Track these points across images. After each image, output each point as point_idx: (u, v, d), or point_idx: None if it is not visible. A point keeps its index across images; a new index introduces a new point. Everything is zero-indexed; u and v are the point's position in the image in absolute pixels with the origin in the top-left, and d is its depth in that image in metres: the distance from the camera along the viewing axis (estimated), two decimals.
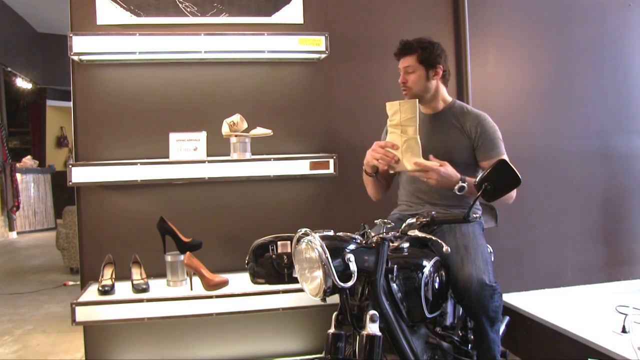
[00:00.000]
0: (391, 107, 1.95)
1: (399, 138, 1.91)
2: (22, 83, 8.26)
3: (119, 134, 2.41)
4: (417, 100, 1.92)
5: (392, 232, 1.60)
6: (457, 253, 1.80)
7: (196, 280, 2.25)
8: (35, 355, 2.84)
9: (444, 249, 1.56)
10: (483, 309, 1.72)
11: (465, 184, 1.81)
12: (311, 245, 1.42)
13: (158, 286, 2.28)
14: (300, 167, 2.36)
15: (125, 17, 2.39)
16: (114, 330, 2.38)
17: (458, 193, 1.81)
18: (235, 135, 2.32)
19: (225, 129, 2.32)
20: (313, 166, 2.37)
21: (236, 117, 2.32)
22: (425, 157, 1.87)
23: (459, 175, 1.84)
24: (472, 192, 1.83)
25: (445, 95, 2.12)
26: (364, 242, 1.54)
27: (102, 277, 2.26)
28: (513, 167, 1.57)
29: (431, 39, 2.06)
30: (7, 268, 5.29)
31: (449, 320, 1.86)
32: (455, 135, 2.03)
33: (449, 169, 1.83)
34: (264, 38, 2.36)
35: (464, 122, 2.03)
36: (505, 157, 1.95)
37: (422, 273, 1.63)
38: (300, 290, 1.58)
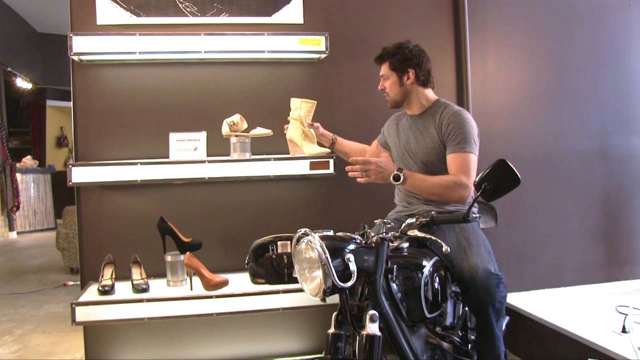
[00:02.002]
0: (294, 102, 2.34)
1: (299, 128, 2.33)
2: (22, 83, 8.26)
3: (119, 134, 2.41)
4: (315, 102, 2.28)
5: (392, 232, 1.60)
6: (460, 246, 1.82)
7: (196, 280, 2.25)
8: (35, 355, 2.84)
9: (443, 249, 1.56)
10: (489, 298, 1.73)
11: (400, 173, 1.89)
12: (311, 245, 1.42)
13: (158, 286, 2.28)
14: (300, 167, 2.36)
15: (125, 17, 2.39)
16: (114, 330, 2.38)
17: (394, 182, 1.90)
18: (235, 135, 2.32)
19: (225, 129, 2.32)
20: (313, 166, 2.37)
21: (236, 117, 2.32)
22: (412, 159, 2.05)
23: (395, 166, 1.93)
24: (413, 184, 1.91)
25: (429, 96, 2.11)
26: (363, 242, 1.54)
27: (102, 277, 2.26)
28: (513, 167, 1.57)
29: (404, 44, 2.08)
30: (7, 268, 5.29)
31: (449, 320, 1.85)
32: (433, 135, 2.03)
33: (384, 161, 1.92)
34: (264, 38, 2.36)
35: (440, 119, 2.02)
36: (473, 156, 1.93)
37: (422, 273, 1.63)
38: (300, 290, 1.58)
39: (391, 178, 1.90)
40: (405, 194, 2.14)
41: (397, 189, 2.21)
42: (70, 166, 2.21)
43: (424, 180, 1.92)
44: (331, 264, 1.38)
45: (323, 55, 2.45)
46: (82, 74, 2.38)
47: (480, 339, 1.81)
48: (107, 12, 2.37)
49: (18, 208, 7.08)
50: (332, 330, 1.51)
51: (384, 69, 2.11)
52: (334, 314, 1.54)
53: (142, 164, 2.24)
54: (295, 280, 1.59)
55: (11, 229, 7.13)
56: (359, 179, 1.93)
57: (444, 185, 1.90)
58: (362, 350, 1.40)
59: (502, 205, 1.97)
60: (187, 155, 2.29)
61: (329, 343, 1.50)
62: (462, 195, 1.89)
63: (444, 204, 2.03)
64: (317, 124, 2.36)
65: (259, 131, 2.36)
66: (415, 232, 1.61)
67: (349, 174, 1.93)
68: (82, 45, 2.23)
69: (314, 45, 2.39)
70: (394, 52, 2.07)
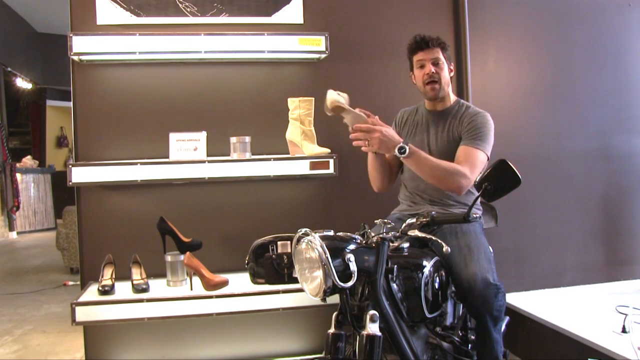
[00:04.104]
0: (292, 102, 2.35)
1: (298, 129, 2.33)
2: (22, 83, 8.26)
3: (119, 134, 2.41)
4: (313, 98, 2.25)
5: (392, 232, 1.60)
6: (460, 252, 1.80)
7: (196, 280, 2.25)
8: (35, 355, 2.84)
9: (444, 249, 1.56)
10: (487, 308, 1.72)
11: (406, 146, 1.77)
12: (311, 245, 1.42)
13: (158, 286, 2.28)
14: (300, 167, 2.36)
15: (125, 17, 2.39)
16: (114, 330, 2.38)
17: (398, 154, 1.76)
18: (339, 111, 1.90)
19: (334, 96, 1.91)
20: (313, 166, 2.37)
21: (344, 95, 1.95)
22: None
23: (400, 138, 1.80)
24: (418, 160, 1.81)
25: (451, 93, 2.15)
26: (364, 242, 1.54)
27: (102, 277, 2.26)
28: (513, 167, 1.57)
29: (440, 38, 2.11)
30: (7, 268, 5.29)
31: (449, 320, 1.86)
32: (454, 133, 2.04)
33: (390, 131, 1.79)
34: (264, 38, 2.35)
35: (462, 118, 2.05)
36: (483, 155, 1.94)
37: (422, 273, 1.63)
38: (300, 290, 1.59)
39: (396, 150, 1.77)
40: (411, 191, 2.13)
41: (402, 186, 2.20)
42: (70, 166, 2.21)
43: (429, 160, 1.84)
44: (331, 264, 1.38)
45: (323, 55, 2.45)
46: (82, 74, 2.38)
47: (479, 341, 1.81)
48: (107, 12, 2.37)
49: (18, 208, 7.08)
50: (332, 330, 1.51)
51: (438, 54, 2.04)
52: (334, 314, 1.54)
53: (142, 164, 2.24)
54: (295, 280, 1.59)
55: (11, 229, 7.13)
56: (363, 148, 1.83)
57: (447, 169, 1.85)
58: (362, 350, 1.40)
59: (502, 205, 1.97)
60: (187, 155, 2.29)
61: (329, 343, 1.50)
62: (461, 185, 1.86)
63: (449, 205, 2.03)
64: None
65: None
66: (415, 232, 1.61)
67: (353, 142, 1.80)
68: (82, 45, 2.23)
69: (314, 45, 2.39)
70: (444, 42, 2.08)
